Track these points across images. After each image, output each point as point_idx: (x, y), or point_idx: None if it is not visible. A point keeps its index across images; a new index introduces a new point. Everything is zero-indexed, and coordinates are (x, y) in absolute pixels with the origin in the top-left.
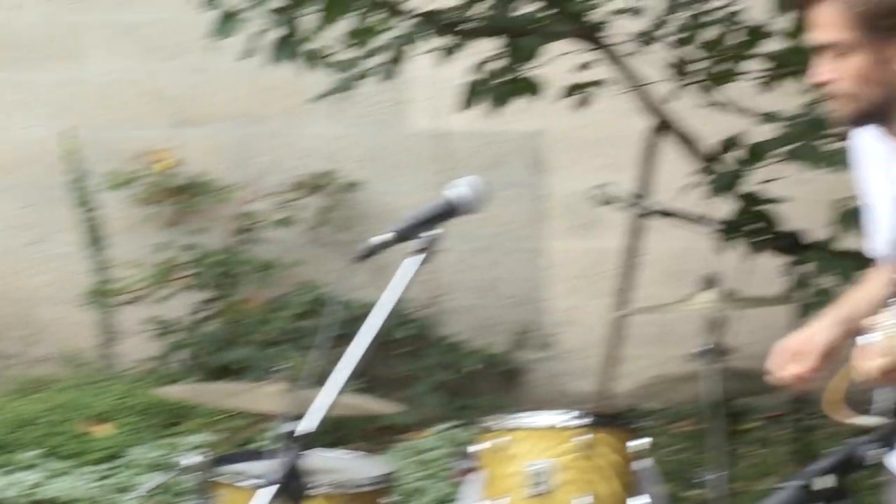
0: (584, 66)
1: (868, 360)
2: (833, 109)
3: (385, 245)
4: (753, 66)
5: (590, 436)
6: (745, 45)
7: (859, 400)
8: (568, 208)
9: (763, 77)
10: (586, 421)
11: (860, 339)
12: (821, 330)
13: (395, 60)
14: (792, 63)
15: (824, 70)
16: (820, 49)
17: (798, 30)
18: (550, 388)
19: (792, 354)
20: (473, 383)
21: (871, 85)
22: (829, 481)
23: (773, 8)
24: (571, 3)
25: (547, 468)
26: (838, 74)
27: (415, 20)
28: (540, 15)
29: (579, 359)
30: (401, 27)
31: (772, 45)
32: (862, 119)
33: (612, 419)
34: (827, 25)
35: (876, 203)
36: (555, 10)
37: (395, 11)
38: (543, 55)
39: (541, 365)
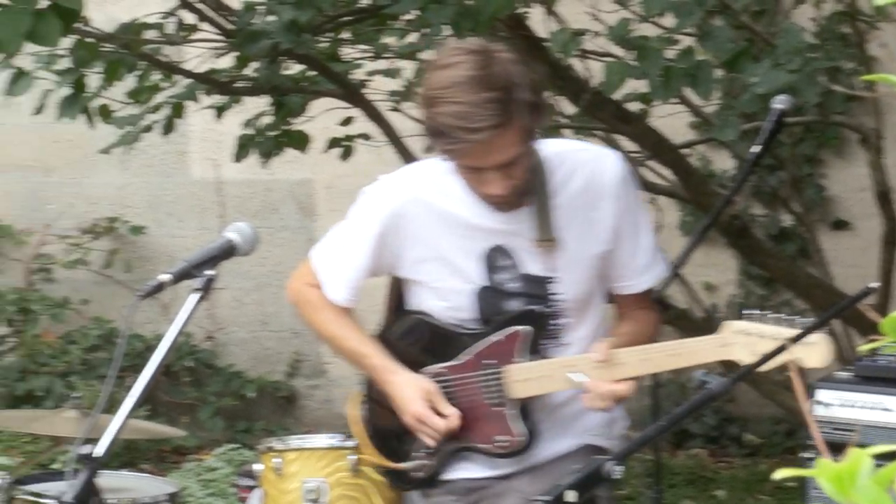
0: (347, 122)
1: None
2: (503, 206)
3: (165, 285)
4: None
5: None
6: None
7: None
8: None
9: None
10: (355, 442)
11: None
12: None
13: (174, 116)
14: None
15: (498, 185)
16: (493, 169)
17: None
18: (323, 413)
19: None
20: (253, 409)
21: (528, 171)
22: (571, 496)
23: None
24: (334, 65)
25: (321, 486)
26: (509, 180)
27: (191, 79)
28: (305, 75)
29: (349, 385)
30: (179, 85)
31: None
32: (521, 200)
33: None
34: (506, 147)
35: (448, 258)
36: (317, 72)
37: (173, 71)
38: (309, 111)
39: (314, 391)
